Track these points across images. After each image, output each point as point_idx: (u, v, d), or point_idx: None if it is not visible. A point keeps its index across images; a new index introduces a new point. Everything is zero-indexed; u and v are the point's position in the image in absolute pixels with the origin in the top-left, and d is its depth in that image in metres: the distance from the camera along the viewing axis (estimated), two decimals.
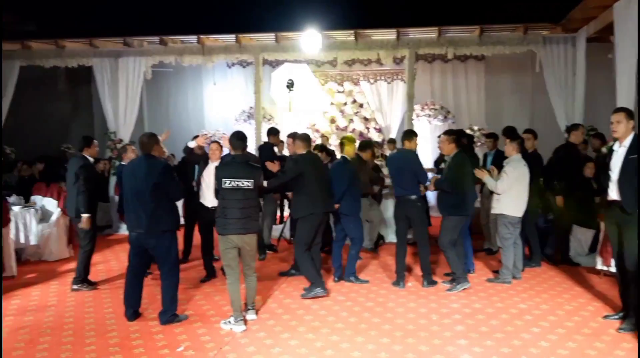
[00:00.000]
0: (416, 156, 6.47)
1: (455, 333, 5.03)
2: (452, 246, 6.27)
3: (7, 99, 11.21)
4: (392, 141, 10.86)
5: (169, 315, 5.26)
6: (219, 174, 5.17)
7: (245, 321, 5.22)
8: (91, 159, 6.60)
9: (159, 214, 5.13)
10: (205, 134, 5.73)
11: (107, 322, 5.34)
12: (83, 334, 5.03)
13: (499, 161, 7.06)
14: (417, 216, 6.42)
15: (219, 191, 5.19)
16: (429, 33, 9.98)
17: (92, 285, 6.55)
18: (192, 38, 10.46)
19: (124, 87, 10.87)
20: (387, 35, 10.05)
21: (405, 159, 6.44)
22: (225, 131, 12.73)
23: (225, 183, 5.10)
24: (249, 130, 10.66)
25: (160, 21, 11.19)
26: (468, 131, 11.15)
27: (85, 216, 6.30)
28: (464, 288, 6.24)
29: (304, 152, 6.19)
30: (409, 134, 6.59)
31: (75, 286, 6.45)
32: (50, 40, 10.94)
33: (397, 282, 6.52)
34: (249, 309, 5.42)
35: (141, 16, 11.50)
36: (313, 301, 5.96)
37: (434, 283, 6.49)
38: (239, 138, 5.36)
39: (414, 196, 6.36)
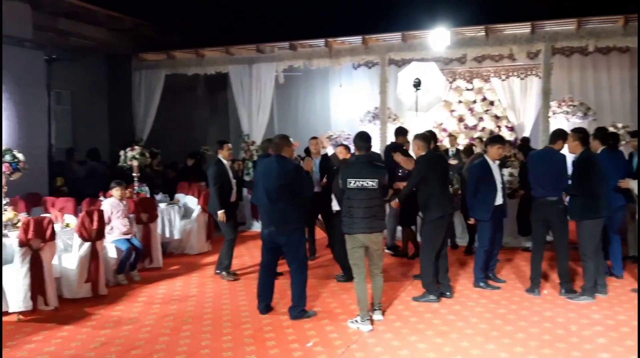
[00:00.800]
0: (563, 156, 6.07)
1: (597, 346, 4.66)
2: (594, 256, 5.81)
3: (154, 106, 12.28)
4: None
5: (298, 310, 5.43)
6: (344, 174, 5.25)
7: (371, 321, 5.24)
8: (224, 161, 7.03)
9: (289, 213, 5.32)
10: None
11: (242, 314, 5.64)
12: (220, 324, 5.35)
13: None
14: (558, 219, 6.01)
15: (344, 191, 5.26)
16: (567, 25, 9.35)
17: (234, 275, 7.01)
18: (320, 42, 10.73)
19: (256, 92, 11.43)
20: (521, 29, 9.56)
21: (551, 158, 6.07)
22: (350, 132, 12.87)
23: (350, 183, 5.16)
24: (373, 130, 10.68)
25: (290, 27, 11.60)
26: (611, 129, 10.30)
27: (219, 211, 6.81)
28: (587, 302, 5.76)
29: (424, 153, 6.07)
30: (559, 136, 6.19)
31: (217, 271, 7.02)
32: (191, 50, 11.80)
33: (531, 289, 6.17)
34: (375, 309, 5.43)
35: (272, 23, 12.00)
36: (441, 305, 5.83)
37: (573, 291, 6.05)
38: (363, 139, 5.41)
39: (554, 198, 5.98)
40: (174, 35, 12.89)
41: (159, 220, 7.84)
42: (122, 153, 8.55)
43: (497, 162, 6.47)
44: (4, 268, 5.45)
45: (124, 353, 4.65)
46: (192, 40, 12.31)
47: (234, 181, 7.16)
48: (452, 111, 12.61)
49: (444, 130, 12.42)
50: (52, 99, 9.44)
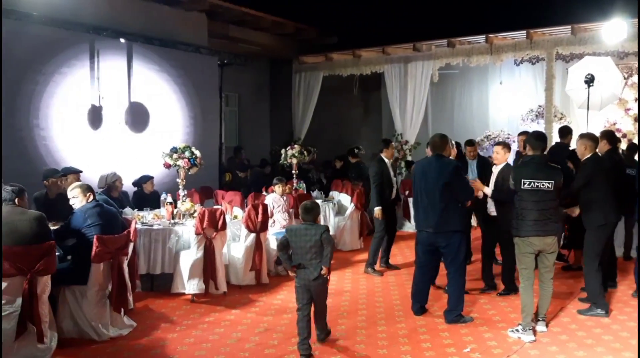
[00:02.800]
0: None
1: None
2: None
3: (312, 106, 12.80)
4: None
5: (455, 314, 5.30)
6: (518, 174, 5.03)
7: (534, 331, 4.95)
8: (386, 160, 7.15)
9: (448, 215, 5.21)
10: None
11: (396, 313, 5.65)
12: (375, 321, 5.41)
13: None
14: None
15: (516, 192, 5.02)
16: None
17: (379, 272, 7.21)
18: (480, 38, 10.37)
19: (411, 91, 11.37)
20: None
21: None
22: (509, 131, 12.26)
23: (524, 183, 4.93)
24: (537, 130, 10.04)
25: (448, 23, 11.36)
26: None
27: (376, 208, 7.01)
28: None
29: (590, 154, 5.56)
30: None
31: (366, 269, 7.22)
32: (348, 51, 12.09)
33: None
34: (539, 320, 5.11)
35: (429, 20, 11.83)
36: (612, 320, 5.34)
37: None
38: (538, 138, 5.17)
39: None
40: (332, 38, 13.31)
41: None
42: (282, 151, 9.02)
43: None
44: (182, 253, 6.05)
45: (285, 340, 4.91)
46: (348, 41, 12.61)
47: (394, 180, 7.25)
48: (628, 109, 11.42)
49: (618, 130, 11.28)
50: (222, 101, 10.28)
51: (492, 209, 6.16)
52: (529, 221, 4.90)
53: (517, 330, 4.97)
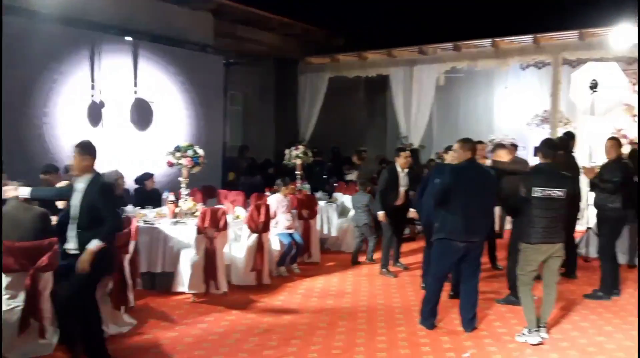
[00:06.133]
0: None
1: None
2: None
3: (317, 107, 12.79)
4: None
5: (475, 320, 5.28)
6: (529, 182, 5.00)
7: (540, 336, 4.92)
8: (399, 169, 7.28)
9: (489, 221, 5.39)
10: None
11: (396, 316, 5.63)
12: (375, 324, 5.39)
13: None
14: None
15: (527, 199, 4.98)
16: None
17: (392, 273, 7.28)
18: (487, 42, 10.34)
19: (416, 94, 11.35)
20: None
21: None
22: (514, 135, 12.18)
23: (536, 191, 4.91)
24: (542, 135, 10.00)
25: (454, 27, 11.33)
26: None
27: (379, 212, 7.14)
28: None
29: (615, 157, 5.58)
30: None
31: (381, 271, 7.32)
32: (354, 53, 12.08)
33: None
34: (540, 326, 5.08)
35: (436, 23, 11.81)
36: (615, 329, 5.30)
37: None
38: (551, 146, 5.22)
39: None
40: (339, 39, 13.30)
41: (318, 217, 8.14)
42: (287, 151, 9.02)
43: None
44: (182, 252, 6.04)
45: (285, 342, 4.89)
46: (355, 43, 12.60)
47: (402, 189, 7.29)
48: (635, 115, 11.35)
49: (624, 136, 11.22)
50: (227, 100, 10.29)
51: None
52: (539, 228, 4.90)
53: (523, 334, 4.96)
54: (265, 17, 11.21)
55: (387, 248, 7.38)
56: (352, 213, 8.74)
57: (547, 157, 5.12)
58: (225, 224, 6.14)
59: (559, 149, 7.21)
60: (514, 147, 7.87)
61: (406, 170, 7.38)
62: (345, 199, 9.15)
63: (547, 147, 5.16)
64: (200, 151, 6.91)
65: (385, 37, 12.06)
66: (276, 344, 4.84)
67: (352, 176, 10.32)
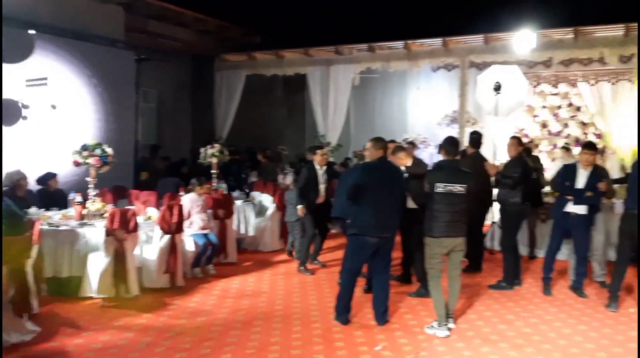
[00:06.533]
0: None
1: None
2: None
3: (234, 105, 12.66)
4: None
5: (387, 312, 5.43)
6: (432, 178, 5.19)
7: (449, 328, 5.13)
8: (317, 166, 7.38)
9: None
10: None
11: (312, 313, 5.67)
12: (290, 322, 5.40)
13: None
14: None
15: (430, 195, 5.18)
16: None
17: (310, 271, 7.33)
18: (399, 44, 10.65)
19: (333, 94, 11.52)
20: (613, 31, 9.08)
21: None
22: (427, 135, 12.68)
23: (438, 187, 5.10)
24: (452, 134, 10.43)
25: (368, 29, 11.59)
26: None
27: (298, 206, 7.26)
28: None
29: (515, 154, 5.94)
30: None
31: (299, 268, 7.35)
32: (271, 51, 12.06)
33: (609, 304, 5.83)
34: (448, 317, 5.30)
35: (351, 25, 12.03)
36: (516, 317, 5.62)
37: None
38: (452, 144, 5.39)
39: None
40: (256, 37, 13.22)
41: (234, 217, 8.05)
42: (202, 150, 8.85)
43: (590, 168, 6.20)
44: (90, 255, 5.79)
45: (198, 344, 4.80)
46: (272, 41, 12.58)
47: (322, 187, 7.37)
48: (535, 116, 12.10)
49: (526, 136, 11.95)
50: (139, 97, 9.94)
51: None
52: (442, 222, 5.09)
53: (432, 327, 5.15)
54: (178, 12, 10.96)
55: (307, 246, 7.41)
56: (269, 211, 8.74)
57: (449, 154, 5.32)
58: (136, 225, 5.95)
59: (472, 148, 7.61)
60: (412, 146, 8.17)
61: (324, 168, 7.48)
62: (264, 198, 9.12)
63: (449, 145, 5.35)
64: (109, 150, 6.65)
65: (303, 36, 12.13)
66: (189, 347, 4.74)
67: (253, 176, 10.26)
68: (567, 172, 6.29)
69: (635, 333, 5.15)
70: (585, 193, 6.14)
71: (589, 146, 6.35)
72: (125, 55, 9.95)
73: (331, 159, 11.60)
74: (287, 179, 8.35)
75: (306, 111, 14.00)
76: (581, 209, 6.17)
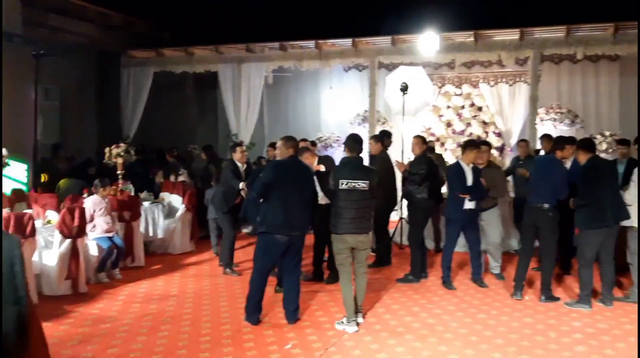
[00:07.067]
0: (563, 165, 6.13)
1: (575, 354, 4.68)
2: (589, 266, 5.82)
3: (142, 103, 12.23)
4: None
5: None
6: (336, 175, 5.27)
7: (357, 323, 5.24)
8: (239, 164, 7.27)
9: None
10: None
11: (222, 315, 5.61)
12: (199, 325, 5.32)
13: (631, 170, 6.45)
14: (548, 226, 6.03)
15: (334, 192, 5.26)
16: (556, 32, 9.42)
17: (237, 272, 7.25)
18: (310, 43, 10.73)
19: (245, 92, 11.42)
20: (510, 35, 9.63)
21: (551, 166, 6.11)
22: (340, 134, 12.85)
23: (342, 184, 5.18)
24: (363, 133, 10.68)
25: (280, 27, 11.59)
26: (599, 137, 10.37)
27: (241, 184, 7.14)
28: (582, 310, 5.78)
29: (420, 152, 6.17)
30: (563, 143, 6.29)
31: (225, 271, 7.26)
32: (181, 48, 11.76)
33: (514, 293, 6.20)
34: (357, 312, 5.41)
35: (263, 23, 11.99)
36: (421, 309, 5.85)
37: (554, 298, 6.07)
38: (356, 141, 5.45)
39: (546, 205, 5.99)
40: (164, 33, 12.85)
41: (142, 219, 7.80)
42: (107, 149, 8.48)
43: (471, 166, 6.57)
44: None
45: (101, 352, 4.62)
46: (181, 38, 12.28)
47: (242, 185, 7.20)
48: (441, 116, 12.63)
49: (432, 134, 12.45)
50: (40, 94, 9.39)
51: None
52: (346, 219, 5.17)
53: (342, 322, 5.23)
54: (80, 6, 10.43)
55: (229, 247, 7.26)
56: (179, 213, 8.53)
57: (352, 151, 5.40)
58: (33, 230, 5.62)
59: (380, 146, 7.80)
60: (314, 145, 8.35)
61: (245, 166, 7.39)
62: (173, 199, 8.88)
63: (352, 142, 5.42)
64: (4, 151, 6.24)
65: (213, 33, 11.94)
66: (91, 355, 4.55)
67: (159, 176, 9.98)
68: (459, 171, 6.53)
69: (529, 320, 5.52)
70: (481, 189, 6.50)
71: (476, 145, 6.76)
72: (22, 50, 9.34)
73: None
74: (180, 179, 8.23)
75: (218, 109, 13.79)
76: (473, 205, 6.52)
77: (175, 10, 12.35)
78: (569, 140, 6.46)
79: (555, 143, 6.54)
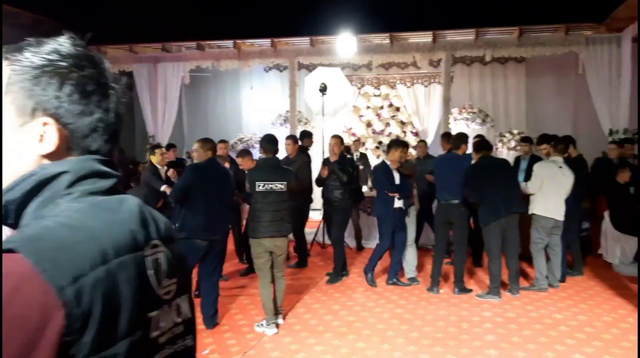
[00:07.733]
0: (469, 161, 6.35)
1: (485, 343, 4.89)
2: (497, 259, 6.09)
3: None
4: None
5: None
6: (252, 177, 5.20)
7: (277, 325, 5.22)
8: (158, 166, 7.07)
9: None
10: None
11: None
12: None
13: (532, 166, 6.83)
14: (459, 221, 6.27)
15: (251, 195, 5.20)
16: (466, 35, 9.80)
17: None
18: (229, 43, 10.59)
19: (162, 92, 11.11)
20: (423, 38, 9.93)
21: (457, 163, 6.33)
22: (261, 134, 12.75)
23: (258, 186, 5.12)
24: (284, 134, 10.69)
25: (197, 26, 11.36)
26: (507, 135, 10.92)
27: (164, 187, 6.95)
28: (492, 300, 6.06)
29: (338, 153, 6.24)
30: (462, 140, 6.51)
31: None
32: (93, 47, 11.22)
33: (431, 288, 6.40)
34: (276, 313, 5.40)
35: (179, 22, 11.70)
36: (341, 307, 5.91)
37: (466, 290, 6.33)
38: (270, 142, 5.37)
39: (456, 201, 6.22)
40: (76, 33, 12.27)
41: None
42: None
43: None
44: None
45: None
46: (94, 37, 11.72)
47: (164, 187, 6.92)
48: (361, 116, 12.85)
49: (353, 134, 12.64)
50: None
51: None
52: (265, 222, 5.11)
53: (261, 325, 5.20)
54: None
55: None
56: None
57: (267, 152, 5.32)
58: None
59: (305, 146, 7.81)
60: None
61: (165, 168, 7.17)
62: None
63: (267, 143, 5.34)
64: None
65: (127, 32, 11.52)
66: None
67: None
68: (386, 170, 6.62)
69: (443, 312, 5.72)
70: (408, 187, 6.66)
71: (401, 144, 6.90)
72: None
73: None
74: None
75: (135, 110, 13.34)
76: (402, 203, 6.66)
77: (87, 8, 11.82)
78: (464, 139, 6.65)
79: (453, 142, 6.76)
